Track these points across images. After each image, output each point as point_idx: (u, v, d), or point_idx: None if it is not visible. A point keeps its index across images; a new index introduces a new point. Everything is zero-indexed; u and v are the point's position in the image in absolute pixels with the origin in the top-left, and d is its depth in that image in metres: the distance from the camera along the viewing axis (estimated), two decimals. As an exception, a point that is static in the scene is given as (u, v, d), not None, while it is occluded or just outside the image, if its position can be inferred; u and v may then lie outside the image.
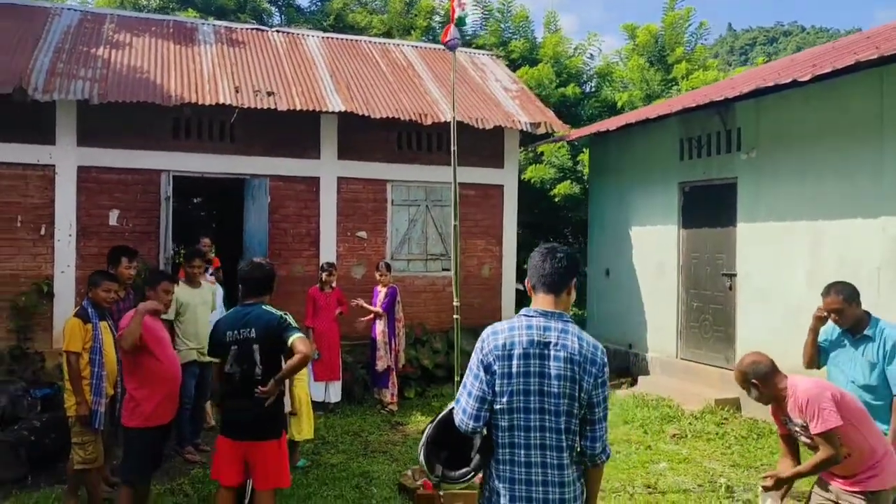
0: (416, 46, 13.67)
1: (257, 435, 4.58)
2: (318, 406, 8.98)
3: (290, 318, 4.61)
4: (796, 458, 4.15)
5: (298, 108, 10.04)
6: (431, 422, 3.15)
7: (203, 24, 12.31)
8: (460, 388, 3.01)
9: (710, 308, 9.71)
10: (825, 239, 8.01)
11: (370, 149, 10.99)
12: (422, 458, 3.07)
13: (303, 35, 12.71)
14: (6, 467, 6.17)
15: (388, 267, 9.71)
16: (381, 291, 9.61)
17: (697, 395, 9.14)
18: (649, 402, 9.24)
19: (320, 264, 9.80)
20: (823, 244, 8.03)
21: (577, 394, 2.91)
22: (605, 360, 3.01)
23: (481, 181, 11.62)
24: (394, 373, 9.51)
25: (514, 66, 17.53)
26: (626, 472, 6.75)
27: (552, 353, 2.91)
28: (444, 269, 11.42)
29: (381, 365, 9.40)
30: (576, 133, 12.00)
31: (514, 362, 2.90)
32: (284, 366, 4.53)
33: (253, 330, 4.57)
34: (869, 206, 7.50)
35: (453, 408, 3.03)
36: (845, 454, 3.82)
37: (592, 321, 12.35)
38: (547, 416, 2.90)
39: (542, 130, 11.29)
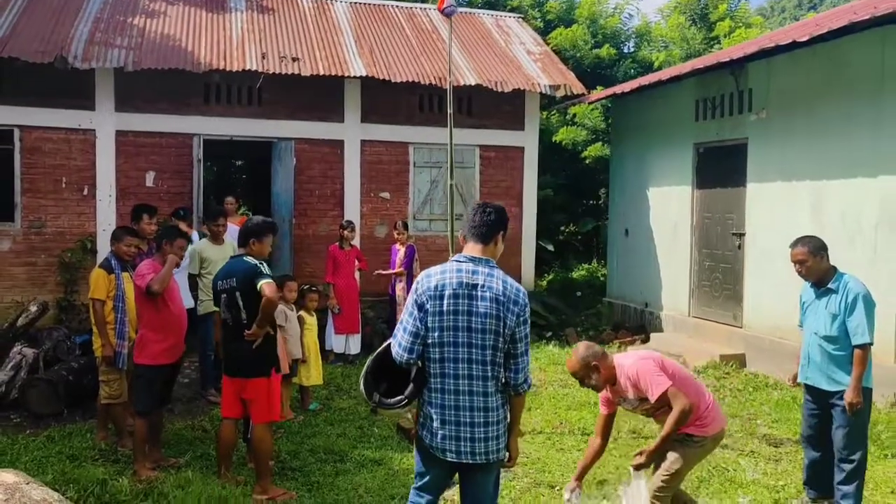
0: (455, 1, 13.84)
1: (247, 373, 5.11)
2: (338, 357, 9.55)
3: (263, 267, 5.08)
4: (606, 440, 4.54)
5: (322, 73, 10.46)
6: (372, 356, 3.54)
7: (235, -9, 12.73)
8: (398, 325, 3.39)
9: (720, 267, 9.89)
10: (827, 198, 8.12)
11: (392, 112, 11.36)
12: (361, 386, 3.45)
13: (331, 0, 13.05)
14: (46, 403, 6.85)
15: (406, 226, 10.12)
16: (400, 250, 10.03)
17: (704, 351, 9.39)
18: (656, 358, 9.51)
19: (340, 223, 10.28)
20: (826, 203, 8.14)
21: (501, 330, 3.28)
22: (527, 300, 3.38)
23: (502, 143, 11.92)
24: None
25: (549, 27, 17.58)
26: (616, 419, 7.08)
27: (479, 293, 3.28)
28: (464, 229, 11.77)
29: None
30: (594, 95, 12.13)
31: (445, 301, 3.27)
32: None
33: (234, 279, 5.10)
34: (868, 165, 7.59)
35: (390, 343, 3.42)
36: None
37: (612, 280, 12.61)
38: (474, 350, 3.28)
39: (561, 93, 11.48)
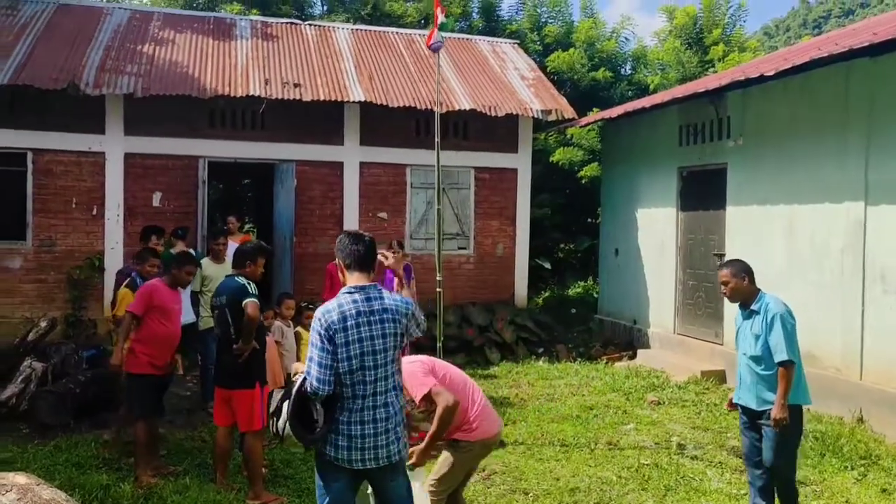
0: (443, 37, 14.33)
1: (233, 384, 5.56)
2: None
3: (251, 287, 5.53)
4: None
5: (322, 98, 10.93)
6: (282, 400, 3.73)
7: (241, 19, 13.26)
8: (307, 362, 3.61)
9: (703, 286, 10.26)
10: (798, 222, 8.50)
11: (390, 135, 11.81)
12: (291, 431, 3.63)
13: (333, 28, 13.55)
14: (54, 414, 7.25)
15: (401, 245, 10.51)
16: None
17: (687, 368, 9.74)
18: (641, 374, 9.88)
19: (339, 242, 10.68)
20: (797, 227, 8.52)
21: (399, 343, 3.66)
22: (412, 307, 3.73)
23: (496, 165, 12.36)
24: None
25: (548, 50, 18.06)
26: (594, 431, 7.46)
27: (376, 318, 3.61)
28: (459, 248, 12.22)
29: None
30: (584, 119, 12.55)
31: (349, 332, 3.57)
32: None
33: (224, 297, 5.58)
34: (834, 192, 7.97)
35: (302, 382, 3.62)
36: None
37: (603, 298, 12.99)
38: (379, 369, 3.60)
39: (553, 117, 11.91)
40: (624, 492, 5.87)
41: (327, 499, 3.68)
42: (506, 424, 7.74)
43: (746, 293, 5.01)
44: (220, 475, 5.83)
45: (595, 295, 14.64)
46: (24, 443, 6.80)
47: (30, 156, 10.42)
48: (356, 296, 3.63)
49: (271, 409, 3.93)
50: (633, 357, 11.00)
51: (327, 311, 3.60)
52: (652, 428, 7.59)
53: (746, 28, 22.24)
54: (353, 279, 3.70)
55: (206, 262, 8.28)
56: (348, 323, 3.56)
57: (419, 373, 4.25)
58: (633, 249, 11.89)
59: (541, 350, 11.51)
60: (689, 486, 6.04)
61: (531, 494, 5.79)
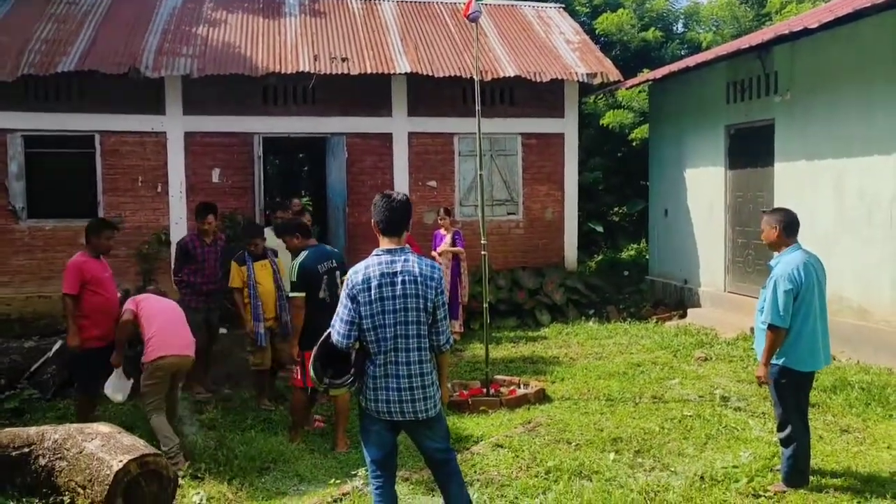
0: (486, 4, 14.42)
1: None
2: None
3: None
4: None
5: (369, 71, 11.21)
6: (316, 346, 4.04)
7: (290, -4, 13.58)
8: (335, 316, 3.93)
9: (752, 244, 10.25)
10: (847, 176, 8.44)
11: (437, 105, 12.04)
12: (312, 372, 4.01)
13: (379, 1, 13.76)
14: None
15: (448, 212, 10.76)
16: (447, 235, 10.69)
17: (737, 325, 9.81)
18: (690, 332, 10.00)
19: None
20: (846, 181, 8.46)
21: (422, 304, 3.88)
22: (441, 274, 3.98)
23: (543, 130, 12.47)
24: (461, 306, 10.61)
25: (596, 12, 17.91)
26: (640, 386, 7.66)
27: (399, 279, 3.86)
28: (508, 214, 12.42)
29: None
30: (630, 82, 12.52)
31: (373, 292, 3.84)
32: None
33: (333, 260, 6.19)
34: (884, 143, 7.89)
35: (328, 335, 3.94)
36: None
37: (653, 259, 13.05)
38: (401, 326, 3.86)
39: (598, 80, 11.94)
40: (665, 441, 6.08)
41: (369, 440, 4.02)
42: (553, 382, 8.02)
43: (776, 243, 5.04)
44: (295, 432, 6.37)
45: (647, 257, 14.68)
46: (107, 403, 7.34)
47: (97, 138, 11.01)
48: (382, 258, 3.88)
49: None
50: (683, 316, 11.09)
51: (355, 272, 3.89)
52: (697, 382, 7.74)
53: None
54: (384, 242, 3.95)
55: (268, 232, 8.70)
56: (371, 284, 3.83)
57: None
58: (682, 209, 11.91)
59: (591, 312, 11.69)
60: (730, 434, 6.20)
61: (574, 444, 6.04)
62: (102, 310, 6.22)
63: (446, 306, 4.03)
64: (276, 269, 7.48)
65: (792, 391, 4.96)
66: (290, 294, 6.19)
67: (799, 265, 4.85)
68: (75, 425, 5.08)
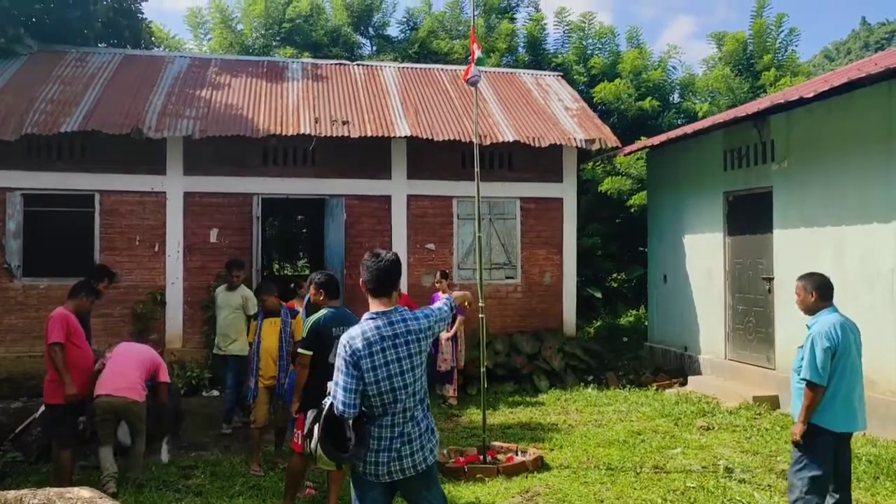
0: (486, 71, 14.68)
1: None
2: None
3: None
4: None
5: (369, 134, 11.30)
6: (314, 422, 3.88)
7: (293, 62, 13.85)
8: (333, 386, 3.77)
9: (752, 311, 10.17)
10: (847, 244, 8.41)
11: (437, 168, 12.11)
12: (322, 452, 3.80)
13: (380, 67, 14.02)
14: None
15: (445, 275, 10.70)
16: (442, 298, 10.58)
17: (738, 393, 9.64)
18: (691, 400, 9.81)
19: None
20: (846, 248, 8.43)
21: (422, 354, 3.85)
22: (428, 320, 3.89)
23: (542, 195, 12.51)
24: (456, 370, 10.45)
25: (594, 81, 18.24)
26: (641, 455, 7.45)
27: (399, 341, 3.77)
28: (506, 278, 12.36)
29: (444, 367, 10.32)
30: (628, 148, 12.64)
31: (376, 357, 3.72)
32: None
33: (343, 328, 5.86)
34: (882, 211, 7.89)
35: (330, 406, 3.77)
36: None
37: (653, 325, 12.92)
38: (408, 388, 3.77)
39: (596, 146, 12.04)
40: (668, 513, 5.88)
41: None
42: (552, 449, 7.81)
43: (812, 308, 5.07)
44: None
45: (646, 323, 14.55)
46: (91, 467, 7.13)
47: (97, 197, 11.02)
48: (378, 321, 3.77)
49: (304, 431, 4.11)
50: (683, 384, 10.92)
51: (352, 338, 3.74)
52: (700, 452, 7.54)
53: (800, 52, 22.07)
54: (374, 304, 3.84)
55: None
56: (373, 349, 3.70)
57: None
58: (681, 276, 11.86)
59: (590, 378, 11.50)
60: (735, 508, 6.00)
61: (574, 515, 5.84)
62: (79, 365, 6.37)
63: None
64: (287, 328, 7.26)
65: (811, 452, 4.85)
66: (298, 350, 5.97)
67: (836, 325, 4.90)
68: (55, 489, 4.87)
